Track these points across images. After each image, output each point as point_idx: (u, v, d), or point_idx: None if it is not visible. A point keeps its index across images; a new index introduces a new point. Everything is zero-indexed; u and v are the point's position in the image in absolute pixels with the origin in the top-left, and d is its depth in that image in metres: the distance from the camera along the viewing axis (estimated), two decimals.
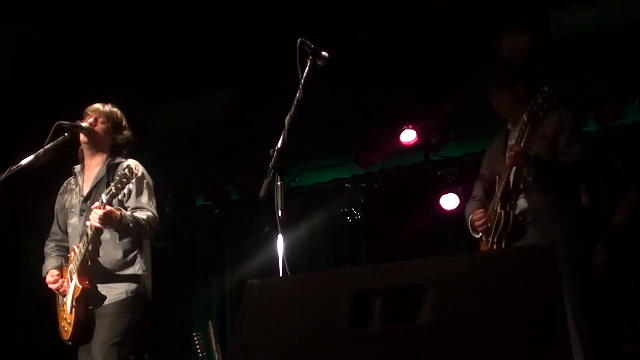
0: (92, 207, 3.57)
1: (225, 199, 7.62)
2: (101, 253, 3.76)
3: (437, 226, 6.85)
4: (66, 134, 3.68)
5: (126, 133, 3.94)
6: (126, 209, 3.71)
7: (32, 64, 5.94)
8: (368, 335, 1.86)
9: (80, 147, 3.92)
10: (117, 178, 3.48)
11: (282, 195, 2.85)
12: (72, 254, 3.81)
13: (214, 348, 5.75)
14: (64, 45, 5.78)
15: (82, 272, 3.71)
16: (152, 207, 3.80)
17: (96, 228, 3.57)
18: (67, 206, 3.96)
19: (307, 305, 2.01)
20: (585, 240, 3.62)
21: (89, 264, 3.72)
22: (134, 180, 3.54)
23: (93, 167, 3.90)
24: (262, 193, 2.85)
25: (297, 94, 3.03)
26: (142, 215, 3.71)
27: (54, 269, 3.90)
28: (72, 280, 3.76)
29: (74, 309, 3.76)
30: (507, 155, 3.58)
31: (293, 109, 3.00)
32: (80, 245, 3.70)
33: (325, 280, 2.14)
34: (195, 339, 5.78)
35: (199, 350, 5.71)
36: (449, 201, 7.14)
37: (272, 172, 2.88)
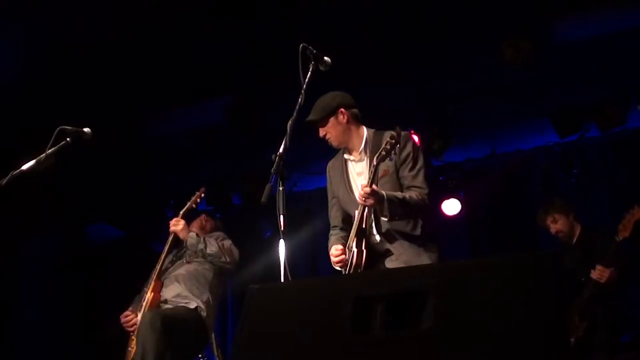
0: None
1: (227, 204, 7.62)
2: (178, 275, 4.66)
3: (438, 231, 6.84)
4: (68, 139, 3.67)
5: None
6: None
7: (34, 67, 5.94)
8: (369, 341, 1.86)
9: None
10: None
11: (283, 200, 2.85)
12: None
13: (215, 353, 5.75)
14: (67, 49, 5.79)
15: (155, 285, 4.54)
16: (231, 244, 4.83)
17: (170, 245, 4.69)
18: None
19: (309, 310, 2.01)
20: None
21: (162, 281, 4.63)
22: (221, 234, 4.91)
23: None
24: (263, 198, 2.85)
25: (299, 99, 3.03)
26: (218, 240, 4.71)
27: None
28: (143, 299, 4.51)
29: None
30: (358, 194, 3.53)
31: (295, 114, 3.00)
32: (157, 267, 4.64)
33: (327, 285, 2.14)
34: None
35: (200, 355, 5.70)
36: (450, 206, 7.15)
37: (274, 176, 2.89)
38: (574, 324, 4.75)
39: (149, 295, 4.44)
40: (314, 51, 3.12)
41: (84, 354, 7.20)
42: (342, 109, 3.72)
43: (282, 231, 2.84)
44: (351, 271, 3.54)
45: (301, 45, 3.09)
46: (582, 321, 4.75)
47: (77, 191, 7.07)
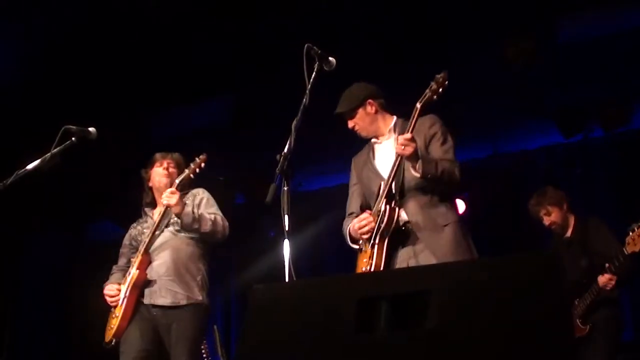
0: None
1: (231, 204, 7.63)
2: (167, 254, 4.15)
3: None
4: (73, 138, 3.68)
5: (187, 171, 4.27)
6: None
7: (38, 68, 5.96)
8: (373, 341, 1.86)
9: (147, 192, 4.40)
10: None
11: (288, 200, 2.86)
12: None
13: (219, 352, 5.77)
14: (69, 49, 5.80)
15: (142, 263, 4.10)
16: (220, 213, 4.27)
17: (164, 210, 4.10)
18: (135, 233, 4.35)
19: (313, 310, 2.01)
20: (463, 252, 3.45)
21: (149, 258, 4.15)
22: (205, 196, 4.32)
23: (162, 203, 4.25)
24: (268, 198, 2.85)
25: (304, 99, 3.03)
26: (211, 215, 4.19)
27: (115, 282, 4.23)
28: (129, 274, 4.11)
29: (125, 300, 4.05)
30: (396, 144, 3.40)
31: (299, 114, 3.00)
32: (144, 241, 4.17)
33: (331, 285, 2.14)
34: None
35: (204, 354, 5.72)
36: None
37: (279, 176, 2.89)
38: (576, 326, 4.76)
39: (134, 272, 4.07)
40: (319, 51, 3.12)
41: (84, 353, 7.21)
42: (370, 100, 3.70)
43: (287, 231, 2.84)
44: (384, 228, 3.46)
45: (306, 45, 3.09)
46: (585, 325, 4.76)
47: (79, 190, 7.08)
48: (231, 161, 7.23)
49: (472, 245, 3.53)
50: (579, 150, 7.14)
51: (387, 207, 3.48)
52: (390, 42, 5.79)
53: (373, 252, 3.51)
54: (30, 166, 3.58)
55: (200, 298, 4.11)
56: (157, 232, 4.17)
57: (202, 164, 4.18)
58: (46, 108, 6.04)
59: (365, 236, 3.56)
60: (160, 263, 4.11)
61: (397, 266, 3.49)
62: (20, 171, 3.56)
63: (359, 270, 3.64)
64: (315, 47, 3.11)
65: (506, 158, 7.48)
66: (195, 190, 4.34)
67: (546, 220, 5.08)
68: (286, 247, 2.82)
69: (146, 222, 4.35)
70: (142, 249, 4.13)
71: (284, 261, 2.82)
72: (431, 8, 5.51)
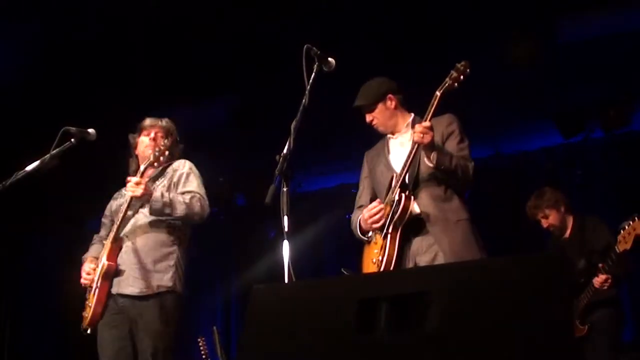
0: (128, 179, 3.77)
1: (231, 205, 7.63)
2: (136, 240, 3.86)
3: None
4: (72, 140, 3.68)
5: (178, 140, 4.09)
6: None
7: (38, 69, 5.96)
8: (374, 342, 1.86)
9: (133, 159, 4.11)
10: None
11: (287, 201, 2.85)
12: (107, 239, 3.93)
13: (219, 353, 5.76)
14: (70, 50, 5.80)
15: (112, 251, 3.83)
16: (201, 191, 3.95)
17: (130, 200, 3.77)
18: (114, 208, 4.09)
19: (313, 311, 2.01)
20: (473, 251, 3.41)
21: (119, 245, 3.86)
22: (185, 171, 3.94)
23: (147, 174, 3.98)
24: (267, 199, 2.84)
25: (303, 100, 3.02)
26: (185, 197, 3.85)
27: (93, 258, 3.98)
28: (100, 260, 3.85)
29: (97, 289, 3.81)
30: (413, 132, 3.36)
31: (299, 115, 3.00)
32: (114, 226, 3.86)
33: (331, 286, 2.14)
34: (200, 343, 5.79)
35: (203, 355, 5.71)
36: None
37: (278, 177, 2.88)
38: (575, 327, 4.75)
39: (104, 263, 3.78)
40: (318, 52, 3.11)
41: (85, 353, 7.19)
42: (391, 95, 3.69)
43: (286, 232, 2.83)
44: (398, 217, 3.41)
45: (305, 45, 3.09)
46: (583, 325, 4.75)
47: (79, 191, 7.08)
48: (231, 162, 7.23)
49: (480, 241, 3.48)
50: (580, 151, 7.13)
51: (402, 195, 3.42)
52: (390, 42, 5.79)
53: (386, 243, 3.45)
54: (29, 167, 3.58)
55: (170, 285, 3.81)
56: (129, 213, 3.86)
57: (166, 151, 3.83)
58: (46, 108, 6.04)
59: (376, 225, 3.51)
60: (130, 250, 3.83)
61: (408, 259, 3.45)
62: (20, 172, 3.56)
63: (368, 262, 3.59)
64: (314, 48, 3.11)
65: (507, 159, 7.48)
66: (177, 163, 4.01)
67: (544, 223, 5.08)
68: (285, 248, 2.81)
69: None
70: (111, 236, 3.83)
71: (284, 262, 2.81)
72: (431, 8, 5.50)
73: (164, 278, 3.81)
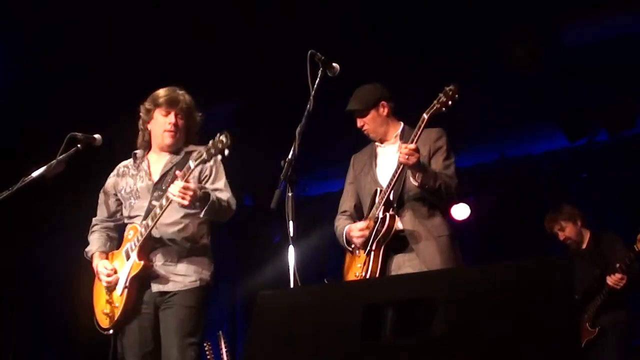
0: (176, 174, 3.36)
1: (238, 207, 7.63)
2: (169, 235, 3.59)
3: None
4: (79, 145, 3.69)
5: (198, 118, 3.78)
6: None
7: (42, 73, 5.97)
8: (379, 348, 1.86)
9: (144, 132, 3.76)
10: (210, 144, 3.24)
11: (292, 205, 2.85)
12: (131, 232, 3.62)
13: (224, 358, 5.75)
14: (74, 54, 5.81)
15: (143, 249, 3.53)
16: (229, 190, 3.69)
17: (169, 203, 3.38)
18: (128, 190, 3.73)
19: (319, 316, 2.01)
20: (453, 266, 3.46)
21: (153, 243, 3.57)
22: (219, 157, 3.29)
23: (162, 153, 3.73)
24: (272, 204, 2.85)
25: (308, 105, 3.03)
26: (221, 195, 3.59)
27: (102, 253, 3.75)
28: (128, 258, 3.57)
29: (125, 290, 3.54)
30: (399, 152, 3.38)
31: (303, 120, 3.00)
32: (145, 222, 3.52)
33: (337, 291, 2.14)
34: (205, 348, 5.78)
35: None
36: (460, 211, 7.14)
37: (283, 182, 2.88)
38: (585, 329, 4.75)
39: (137, 262, 3.51)
40: (322, 57, 3.12)
41: (92, 353, 7.20)
42: (384, 102, 3.72)
43: (292, 237, 2.83)
44: (382, 235, 3.48)
45: (309, 51, 3.09)
46: (594, 327, 4.75)
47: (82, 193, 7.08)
48: (236, 164, 7.22)
49: (460, 257, 3.56)
50: (585, 154, 7.13)
51: (387, 214, 3.50)
52: (394, 43, 5.79)
53: (369, 259, 3.54)
54: (35, 173, 3.59)
55: (208, 279, 3.72)
56: (164, 204, 3.41)
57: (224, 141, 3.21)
58: (48, 112, 6.05)
59: (359, 240, 3.57)
60: (164, 244, 3.58)
61: (391, 274, 3.52)
62: (27, 178, 3.57)
63: (350, 273, 3.69)
64: (318, 53, 3.11)
65: (513, 162, 7.47)
66: (203, 151, 3.30)
67: (561, 236, 5.15)
68: (291, 253, 2.82)
69: (137, 170, 3.75)
70: (145, 233, 3.48)
71: (289, 267, 2.81)
72: (433, 10, 5.50)
73: (203, 272, 3.70)
